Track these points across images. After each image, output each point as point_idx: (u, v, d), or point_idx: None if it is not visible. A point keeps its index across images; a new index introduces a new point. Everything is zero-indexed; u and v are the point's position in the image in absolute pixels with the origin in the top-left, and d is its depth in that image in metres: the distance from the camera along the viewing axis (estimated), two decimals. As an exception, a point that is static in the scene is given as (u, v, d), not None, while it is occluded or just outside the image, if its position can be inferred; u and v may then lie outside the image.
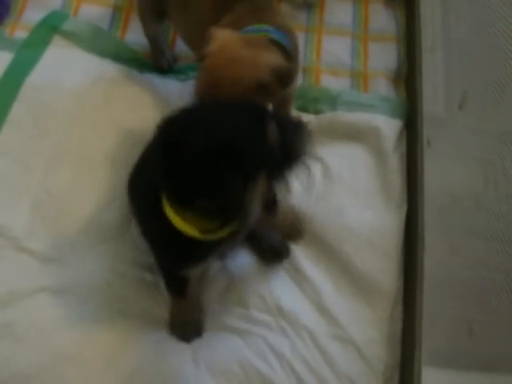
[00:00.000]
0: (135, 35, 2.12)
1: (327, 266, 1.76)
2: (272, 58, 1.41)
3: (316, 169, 1.87)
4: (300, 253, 1.77)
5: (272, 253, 1.74)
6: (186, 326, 1.65)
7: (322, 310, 1.70)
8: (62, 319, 1.63)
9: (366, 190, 1.87)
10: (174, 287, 1.59)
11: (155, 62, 2.07)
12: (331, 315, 1.69)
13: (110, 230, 1.76)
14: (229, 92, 1.35)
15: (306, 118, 1.92)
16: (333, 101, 2.01)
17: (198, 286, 1.67)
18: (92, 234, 1.75)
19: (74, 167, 1.84)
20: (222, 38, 1.42)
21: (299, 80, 2.05)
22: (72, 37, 2.08)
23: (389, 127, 1.95)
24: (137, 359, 1.60)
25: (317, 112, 2.00)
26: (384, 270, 1.75)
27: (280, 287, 1.72)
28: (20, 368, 1.57)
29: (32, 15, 2.16)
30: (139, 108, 1.95)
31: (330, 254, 1.77)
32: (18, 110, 1.91)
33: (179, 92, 2.00)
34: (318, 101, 2.01)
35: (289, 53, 1.49)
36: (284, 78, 1.40)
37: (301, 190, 1.85)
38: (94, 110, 1.94)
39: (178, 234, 1.29)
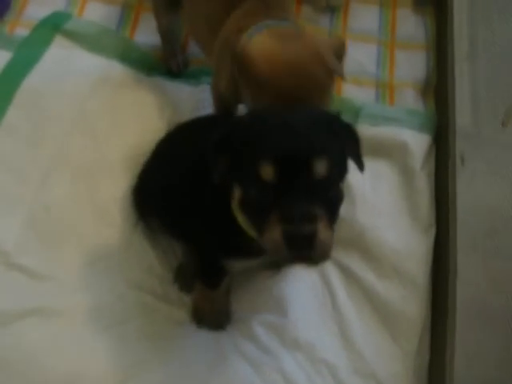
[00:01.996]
0: (145, 35, 2.02)
1: (349, 294, 1.64)
2: (324, 40, 1.39)
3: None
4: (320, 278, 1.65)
5: None
6: (214, 313, 1.57)
7: (344, 341, 1.58)
8: (53, 345, 1.50)
9: (390, 211, 1.74)
10: (211, 279, 1.50)
11: (165, 62, 1.96)
12: (353, 347, 1.58)
13: (110, 246, 1.64)
14: (305, 96, 1.32)
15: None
16: (356, 113, 1.88)
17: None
18: (90, 251, 1.63)
19: (72, 178, 1.72)
20: (263, 54, 1.32)
21: None
22: (75, 37, 1.96)
23: (417, 143, 1.82)
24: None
25: None
26: (410, 298, 1.63)
27: (299, 314, 1.60)
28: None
29: (34, 12, 2.04)
30: (146, 115, 1.84)
31: (351, 279, 1.65)
32: (13, 115, 1.79)
33: (190, 97, 1.89)
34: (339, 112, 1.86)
35: None
36: (341, 52, 1.39)
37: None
38: (96, 117, 1.82)
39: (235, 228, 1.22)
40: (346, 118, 1.78)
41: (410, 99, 1.96)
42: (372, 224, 1.70)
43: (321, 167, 1.06)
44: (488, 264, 1.48)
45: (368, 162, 1.73)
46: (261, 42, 1.34)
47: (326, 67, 1.33)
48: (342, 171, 1.16)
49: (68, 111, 1.81)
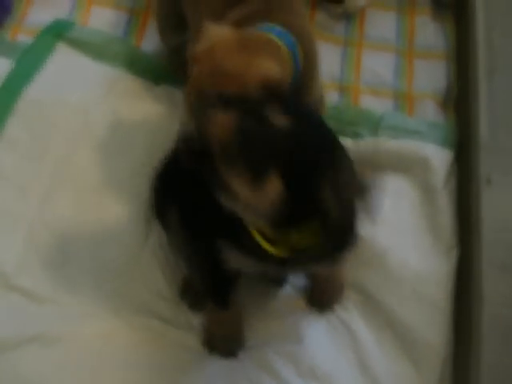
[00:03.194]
0: (152, 43, 1.94)
1: (369, 319, 1.56)
2: (263, 67, 1.26)
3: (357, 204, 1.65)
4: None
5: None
6: (227, 339, 1.49)
7: (362, 369, 1.50)
8: (54, 375, 1.43)
9: (411, 231, 1.66)
10: (218, 293, 1.42)
11: (173, 73, 1.87)
12: (372, 376, 1.50)
13: (116, 267, 1.57)
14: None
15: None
16: (375, 125, 1.80)
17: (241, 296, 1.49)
18: (94, 272, 1.56)
19: (76, 195, 1.66)
20: (214, 36, 1.29)
21: (335, 99, 1.88)
22: (79, 44, 1.90)
23: (438, 158, 1.73)
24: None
25: (355, 136, 1.79)
26: (432, 323, 1.55)
27: (316, 341, 1.52)
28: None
29: (36, 17, 1.97)
30: (154, 126, 1.76)
31: (371, 304, 1.57)
32: (14, 127, 1.73)
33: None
34: (356, 124, 1.81)
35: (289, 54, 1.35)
36: (275, 90, 1.21)
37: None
38: (101, 129, 1.75)
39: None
40: (365, 129, 1.79)
41: (430, 111, 1.88)
42: (392, 244, 1.62)
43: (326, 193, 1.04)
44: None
45: (388, 178, 1.71)
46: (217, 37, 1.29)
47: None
48: None
49: (72, 123, 1.75)
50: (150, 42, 1.95)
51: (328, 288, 1.57)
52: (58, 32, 1.90)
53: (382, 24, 2.04)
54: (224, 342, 1.49)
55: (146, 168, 1.57)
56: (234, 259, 1.30)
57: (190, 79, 1.28)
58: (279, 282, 1.58)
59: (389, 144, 1.75)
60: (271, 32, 1.34)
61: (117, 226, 1.62)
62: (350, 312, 1.56)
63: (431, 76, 1.95)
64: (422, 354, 1.52)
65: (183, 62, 1.81)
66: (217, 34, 1.29)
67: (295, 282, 1.58)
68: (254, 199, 1.03)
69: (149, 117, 1.78)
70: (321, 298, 1.57)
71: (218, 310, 1.45)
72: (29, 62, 1.84)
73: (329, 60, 1.92)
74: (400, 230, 1.65)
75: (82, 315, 1.50)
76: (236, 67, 1.24)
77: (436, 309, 1.57)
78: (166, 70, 1.89)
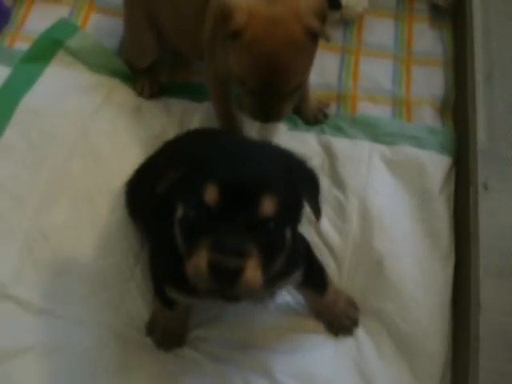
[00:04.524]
0: None
1: (367, 327, 1.55)
2: (306, 1, 1.39)
3: (352, 208, 1.66)
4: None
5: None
6: (165, 333, 1.48)
7: (360, 377, 1.48)
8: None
9: (407, 237, 1.64)
10: (163, 299, 1.40)
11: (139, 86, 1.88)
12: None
13: (111, 276, 1.56)
14: (283, 55, 1.36)
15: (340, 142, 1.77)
16: (372, 131, 1.79)
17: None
18: (89, 282, 1.55)
19: (72, 203, 1.65)
20: (245, 6, 1.37)
21: (333, 107, 1.88)
22: (78, 53, 1.89)
23: (436, 164, 1.73)
24: None
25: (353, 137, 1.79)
26: (430, 331, 1.53)
27: (315, 348, 1.51)
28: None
29: (35, 25, 1.96)
30: (150, 136, 1.76)
31: (369, 312, 1.55)
32: (10, 135, 1.71)
33: (196, 115, 1.80)
34: (354, 129, 1.81)
35: None
36: (325, 14, 1.41)
37: (335, 235, 1.63)
38: (98, 138, 1.74)
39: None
40: (363, 134, 1.77)
41: (427, 117, 1.86)
42: (389, 251, 1.60)
43: (267, 206, 1.01)
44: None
45: (385, 183, 1.71)
46: (247, 6, 1.37)
47: (307, 29, 1.37)
48: (292, 218, 1.12)
49: (68, 132, 1.73)
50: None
51: (332, 314, 1.54)
52: (58, 37, 1.89)
53: (379, 31, 2.03)
54: (163, 334, 1.48)
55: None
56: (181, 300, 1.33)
57: (244, 45, 1.37)
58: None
59: (386, 150, 1.75)
60: None
61: (112, 235, 1.61)
62: None
63: (429, 82, 1.94)
64: (421, 362, 1.50)
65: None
66: (245, 3, 1.37)
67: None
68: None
69: (144, 126, 1.78)
70: (331, 324, 1.54)
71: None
72: (27, 70, 1.83)
73: (326, 67, 1.92)
74: (397, 236, 1.63)
75: (75, 328, 1.48)
76: (287, 12, 1.36)
77: (434, 317, 1.55)
78: (164, 80, 1.89)
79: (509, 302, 1.46)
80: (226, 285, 1.01)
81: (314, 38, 1.40)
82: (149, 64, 1.82)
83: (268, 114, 1.49)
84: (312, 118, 1.81)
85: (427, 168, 1.71)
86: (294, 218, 1.12)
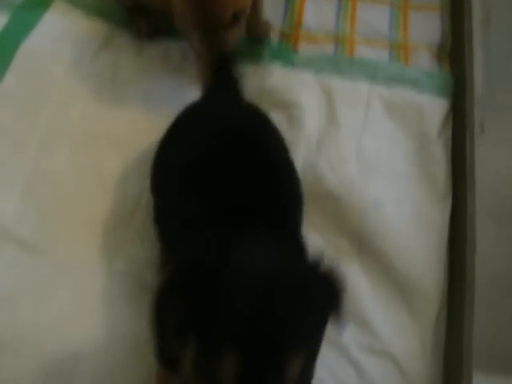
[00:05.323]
0: None
1: (364, 269, 1.56)
2: None
3: (350, 150, 1.66)
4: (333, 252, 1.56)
5: None
6: None
7: (357, 318, 1.49)
8: (51, 323, 1.42)
9: (404, 179, 1.66)
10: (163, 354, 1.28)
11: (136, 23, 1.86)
12: (367, 324, 1.49)
13: (111, 220, 1.57)
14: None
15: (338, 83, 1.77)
16: (370, 74, 1.80)
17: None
18: (89, 225, 1.55)
19: (73, 147, 1.64)
20: None
21: (331, 50, 1.87)
22: (75, 1, 1.88)
23: (434, 108, 1.74)
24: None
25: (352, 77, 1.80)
26: (427, 272, 1.55)
27: None
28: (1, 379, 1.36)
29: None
30: (150, 81, 1.75)
31: (366, 253, 1.57)
32: (10, 80, 1.70)
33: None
34: (353, 69, 1.81)
35: None
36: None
37: (330, 176, 1.63)
38: (98, 84, 1.74)
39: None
40: (361, 76, 1.77)
41: (425, 62, 1.86)
42: (386, 193, 1.62)
43: (294, 369, 0.88)
44: (508, 236, 1.46)
45: (382, 126, 1.72)
46: None
47: None
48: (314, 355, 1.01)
49: (68, 77, 1.73)
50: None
51: None
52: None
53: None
54: None
55: (143, 121, 1.60)
56: None
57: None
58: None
59: (384, 93, 1.76)
60: None
61: (112, 179, 1.61)
62: (345, 260, 1.55)
63: (426, 28, 1.93)
64: (418, 303, 1.52)
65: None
66: None
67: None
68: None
69: (144, 71, 1.77)
70: None
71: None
72: (25, 17, 1.82)
73: (323, 12, 1.92)
74: (394, 178, 1.65)
75: (78, 267, 1.49)
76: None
77: (431, 258, 1.57)
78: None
79: (503, 245, 1.49)
80: None
81: None
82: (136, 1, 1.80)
83: (215, 45, 1.50)
84: (255, 35, 1.80)
85: (425, 111, 1.72)
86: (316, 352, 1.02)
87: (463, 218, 1.58)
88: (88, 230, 1.55)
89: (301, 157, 1.63)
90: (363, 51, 1.88)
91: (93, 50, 1.79)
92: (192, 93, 1.60)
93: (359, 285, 1.54)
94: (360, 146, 1.68)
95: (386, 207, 1.60)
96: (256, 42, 1.82)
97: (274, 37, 1.87)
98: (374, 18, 1.94)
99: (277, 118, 1.50)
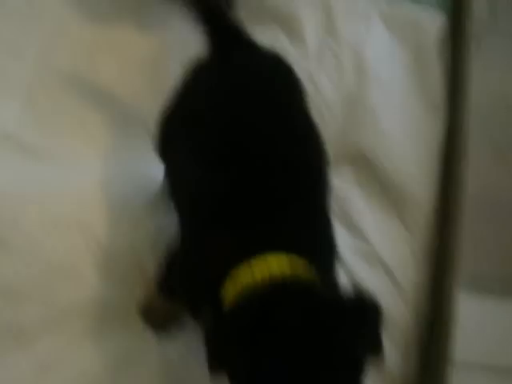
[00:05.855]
0: None
1: (357, 176, 1.59)
2: None
3: (349, 61, 1.68)
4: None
5: None
6: (160, 316, 1.39)
7: (348, 222, 1.53)
8: (53, 227, 1.45)
9: (400, 90, 1.69)
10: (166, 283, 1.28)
11: None
12: (358, 228, 1.53)
13: (110, 130, 1.58)
14: None
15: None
16: None
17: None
18: (92, 134, 1.58)
19: (72, 56, 1.65)
20: None
21: None
22: None
23: (431, 20, 1.76)
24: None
25: None
26: (419, 180, 1.60)
27: None
28: (6, 279, 1.39)
29: None
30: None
31: (361, 160, 1.60)
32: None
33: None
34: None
35: None
36: None
37: (330, 87, 1.65)
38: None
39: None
40: None
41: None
42: (383, 103, 1.65)
43: None
44: (499, 154, 1.49)
45: (380, 37, 1.73)
46: None
47: None
48: None
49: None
50: None
51: None
52: None
53: None
54: (156, 316, 1.39)
55: (141, 30, 1.61)
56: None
57: None
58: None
59: (383, 6, 1.77)
60: None
61: (111, 88, 1.62)
62: (339, 167, 1.57)
63: None
64: (408, 209, 1.56)
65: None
66: None
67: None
68: None
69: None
70: None
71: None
72: None
73: None
74: (390, 89, 1.67)
75: (82, 173, 1.52)
76: None
77: (424, 166, 1.61)
78: None
79: (496, 161, 1.53)
80: None
81: None
82: None
83: None
84: None
85: (423, 24, 1.74)
86: None
87: (458, 134, 1.61)
88: (90, 131, 1.57)
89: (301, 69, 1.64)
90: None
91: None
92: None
93: (352, 192, 1.56)
94: (359, 56, 1.70)
95: (382, 116, 1.63)
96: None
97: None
98: None
99: (274, 32, 1.53)
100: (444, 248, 1.54)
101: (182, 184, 1.18)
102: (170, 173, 1.29)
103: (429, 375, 1.43)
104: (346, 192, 1.56)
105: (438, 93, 1.68)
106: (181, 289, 1.15)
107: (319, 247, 1.06)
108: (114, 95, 1.62)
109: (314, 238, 1.06)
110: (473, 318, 1.36)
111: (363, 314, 0.91)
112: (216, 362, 0.89)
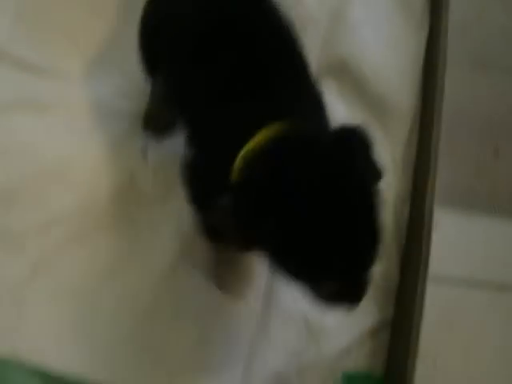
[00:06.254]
0: None
1: (340, 88, 1.62)
2: None
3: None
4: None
5: None
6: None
7: None
8: (47, 135, 1.49)
9: (383, 5, 1.70)
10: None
11: None
12: None
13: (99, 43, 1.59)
14: None
15: None
16: None
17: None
18: (80, 47, 1.58)
19: None
20: None
21: None
22: None
23: None
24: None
25: None
26: (401, 92, 1.63)
27: None
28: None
29: None
30: None
31: (344, 73, 1.63)
32: None
33: None
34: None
35: None
36: None
37: (313, 2, 1.67)
38: None
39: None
40: None
41: None
42: (365, 17, 1.67)
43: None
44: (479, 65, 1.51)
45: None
46: None
47: None
48: None
49: None
50: None
51: None
52: None
53: None
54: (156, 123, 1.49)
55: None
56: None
57: None
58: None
59: None
60: None
61: (110, 30, 1.61)
62: (323, 80, 1.58)
63: None
64: (391, 119, 1.60)
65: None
66: None
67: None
68: None
69: None
70: None
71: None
72: None
73: None
74: (373, 3, 1.70)
75: (77, 85, 1.54)
76: None
77: (406, 80, 1.64)
78: None
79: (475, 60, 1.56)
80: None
81: None
82: None
83: None
84: None
85: None
86: None
87: (437, 40, 1.63)
88: (77, 52, 1.58)
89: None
90: None
91: None
92: None
93: (335, 104, 1.58)
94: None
95: (364, 29, 1.65)
96: None
97: None
98: None
99: None
100: (423, 159, 1.58)
101: (185, 82, 1.19)
102: (169, 76, 1.29)
103: (405, 287, 1.49)
104: (329, 105, 1.57)
105: (420, 10, 1.71)
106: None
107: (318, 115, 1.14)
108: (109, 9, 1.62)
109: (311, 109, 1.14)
110: (450, 231, 1.39)
111: (360, 144, 0.99)
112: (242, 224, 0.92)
